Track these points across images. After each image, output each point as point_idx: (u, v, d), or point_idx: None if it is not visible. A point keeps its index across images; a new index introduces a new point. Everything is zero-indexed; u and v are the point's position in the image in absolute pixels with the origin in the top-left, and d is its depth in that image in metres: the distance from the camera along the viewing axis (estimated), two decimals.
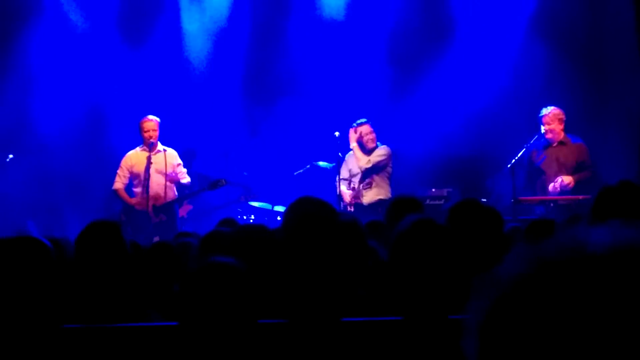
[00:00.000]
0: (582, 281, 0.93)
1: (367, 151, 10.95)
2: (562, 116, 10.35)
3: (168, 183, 10.55)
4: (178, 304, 3.19)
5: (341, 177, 10.89)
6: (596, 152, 10.72)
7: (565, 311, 0.92)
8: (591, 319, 0.91)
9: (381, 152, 10.91)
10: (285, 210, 4.11)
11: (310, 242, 3.79)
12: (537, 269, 0.97)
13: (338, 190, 10.80)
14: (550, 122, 10.27)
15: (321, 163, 11.45)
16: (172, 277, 5.00)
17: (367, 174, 10.86)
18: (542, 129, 10.28)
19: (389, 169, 11.00)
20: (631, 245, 0.96)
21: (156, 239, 9.50)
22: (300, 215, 3.93)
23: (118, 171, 10.74)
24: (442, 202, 10.80)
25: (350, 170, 11.02)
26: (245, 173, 11.30)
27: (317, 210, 3.97)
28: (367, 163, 10.82)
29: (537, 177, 10.44)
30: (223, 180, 10.48)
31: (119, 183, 10.70)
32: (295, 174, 11.61)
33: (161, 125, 10.73)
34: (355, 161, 10.93)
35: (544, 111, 10.34)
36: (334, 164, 11.17)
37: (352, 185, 10.95)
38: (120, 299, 4.16)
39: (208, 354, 3.06)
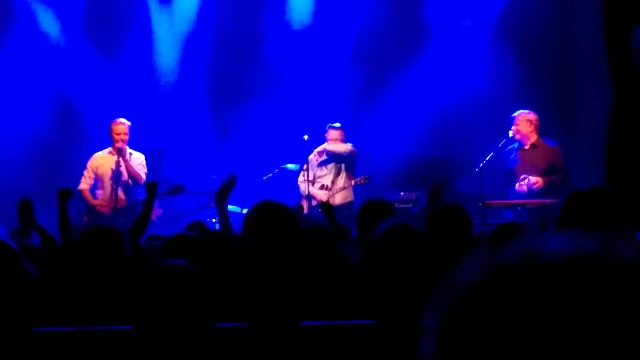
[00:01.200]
0: (535, 289, 0.94)
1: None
2: (532, 118, 10.42)
3: (131, 186, 10.53)
4: (132, 307, 3.18)
5: (308, 178, 10.89)
6: (564, 157, 10.79)
7: (517, 318, 0.93)
8: (542, 327, 0.92)
9: (349, 145, 10.93)
10: (245, 214, 4.12)
11: (270, 245, 3.80)
12: (491, 276, 0.98)
13: (307, 191, 10.80)
14: (518, 124, 10.36)
15: (289, 165, 11.46)
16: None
17: (340, 159, 10.84)
18: (511, 131, 10.37)
19: (354, 170, 11.04)
20: (585, 254, 0.97)
21: None
22: (259, 219, 3.94)
23: (84, 172, 10.71)
24: (410, 205, 10.84)
25: (315, 172, 11.03)
26: (214, 176, 11.24)
27: (276, 214, 3.98)
28: (346, 149, 10.83)
29: (510, 180, 10.50)
30: (182, 187, 10.41)
31: (84, 184, 10.67)
32: (264, 178, 11.60)
33: (131, 128, 10.69)
34: (334, 149, 10.89)
35: (515, 113, 10.43)
36: (299, 166, 11.20)
37: (323, 185, 10.93)
38: (117, 303, 4.13)
39: (162, 355, 3.05)
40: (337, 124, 11.13)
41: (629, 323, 0.92)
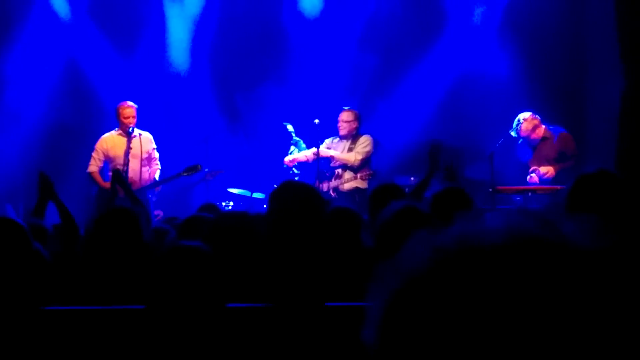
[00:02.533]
0: (473, 272, 0.93)
1: (342, 137, 10.89)
2: (537, 121, 10.43)
3: (142, 168, 10.54)
4: (145, 287, 3.19)
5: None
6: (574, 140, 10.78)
7: (457, 303, 0.92)
8: (481, 312, 0.91)
9: (365, 142, 10.81)
10: (270, 195, 4.09)
11: (295, 226, 3.78)
12: (432, 260, 0.97)
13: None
14: (529, 133, 10.38)
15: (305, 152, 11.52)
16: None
17: (360, 168, 10.77)
18: (517, 132, 10.41)
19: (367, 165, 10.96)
20: (522, 235, 0.96)
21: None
22: (285, 199, 3.92)
23: (93, 154, 10.69)
24: None
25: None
26: (206, 169, 11.20)
27: (302, 194, 3.96)
28: (355, 160, 10.71)
29: (524, 173, 10.50)
30: (199, 166, 10.41)
31: (94, 166, 10.65)
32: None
33: (141, 111, 10.71)
34: (342, 157, 10.81)
35: (520, 119, 10.40)
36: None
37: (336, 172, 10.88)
38: (133, 285, 4.14)
39: (175, 336, 3.07)
40: (347, 107, 11.06)
41: (565, 303, 0.91)
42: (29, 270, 3.70)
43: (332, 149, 10.93)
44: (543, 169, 10.16)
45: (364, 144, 10.77)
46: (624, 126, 10.21)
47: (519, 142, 10.58)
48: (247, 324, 3.36)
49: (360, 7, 12.72)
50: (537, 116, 10.48)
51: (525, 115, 10.47)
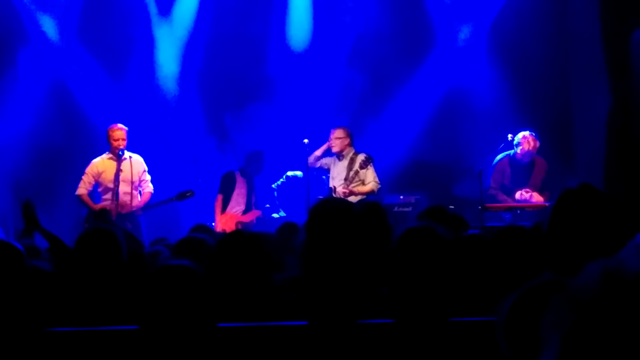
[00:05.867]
0: None
1: (335, 155, 10.88)
2: (536, 144, 10.45)
3: (134, 191, 10.55)
4: (137, 307, 3.21)
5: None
6: (562, 162, 10.85)
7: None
8: None
9: (369, 167, 10.72)
10: (310, 212, 4.06)
11: (337, 240, 3.78)
12: (609, 288, 1.01)
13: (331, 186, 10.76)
14: (526, 153, 10.39)
15: (296, 173, 11.58)
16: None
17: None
18: (516, 149, 10.41)
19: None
20: None
21: None
22: (326, 214, 3.92)
23: (83, 177, 10.67)
24: (410, 209, 10.87)
25: (334, 179, 10.91)
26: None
27: (340, 209, 3.96)
28: (376, 188, 10.63)
29: (505, 193, 10.52)
30: (191, 191, 10.50)
31: (83, 189, 10.64)
32: (274, 186, 11.70)
33: (130, 132, 10.73)
34: (366, 191, 10.79)
35: (521, 136, 10.41)
36: (303, 173, 11.25)
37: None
38: (114, 304, 4.17)
39: (168, 357, 3.09)
40: (339, 126, 11.08)
41: None
42: (27, 290, 3.72)
43: (331, 169, 10.91)
44: (535, 197, 10.25)
45: (371, 169, 10.68)
46: (611, 141, 10.28)
47: (511, 154, 10.55)
48: (243, 344, 3.38)
49: (348, 26, 12.79)
50: (537, 140, 10.49)
51: (526, 133, 10.47)
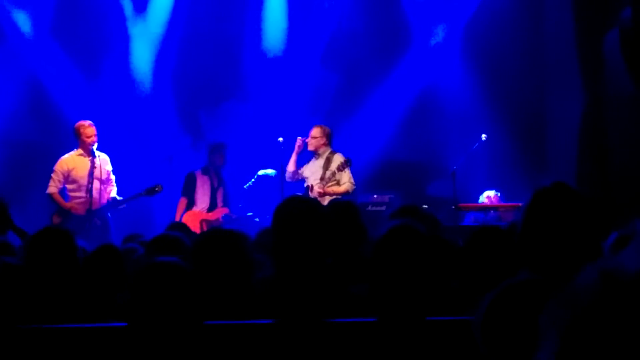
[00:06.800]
0: None
1: (311, 153, 10.84)
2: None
3: (103, 188, 10.48)
4: (126, 304, 3.21)
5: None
6: (535, 161, 10.91)
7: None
8: None
9: (345, 170, 10.69)
10: (275, 211, 4.06)
11: (302, 239, 3.79)
12: (605, 290, 1.02)
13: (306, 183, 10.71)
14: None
15: (267, 171, 11.50)
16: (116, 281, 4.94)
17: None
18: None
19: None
20: None
21: None
22: (290, 214, 3.92)
23: (52, 175, 10.54)
24: (383, 208, 10.88)
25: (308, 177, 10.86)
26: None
27: (306, 208, 3.96)
28: (351, 188, 10.58)
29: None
30: (159, 186, 10.44)
31: (54, 187, 10.52)
32: (245, 186, 11.62)
33: (104, 129, 10.69)
34: (341, 191, 10.73)
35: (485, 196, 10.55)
36: (276, 172, 11.21)
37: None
38: (70, 304, 4.15)
39: (157, 353, 3.09)
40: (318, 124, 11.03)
41: None
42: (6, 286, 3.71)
43: (307, 170, 10.84)
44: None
45: (347, 171, 10.61)
46: (584, 141, 10.36)
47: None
48: (226, 341, 3.38)
49: (323, 26, 12.80)
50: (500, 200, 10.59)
51: (490, 193, 10.56)
